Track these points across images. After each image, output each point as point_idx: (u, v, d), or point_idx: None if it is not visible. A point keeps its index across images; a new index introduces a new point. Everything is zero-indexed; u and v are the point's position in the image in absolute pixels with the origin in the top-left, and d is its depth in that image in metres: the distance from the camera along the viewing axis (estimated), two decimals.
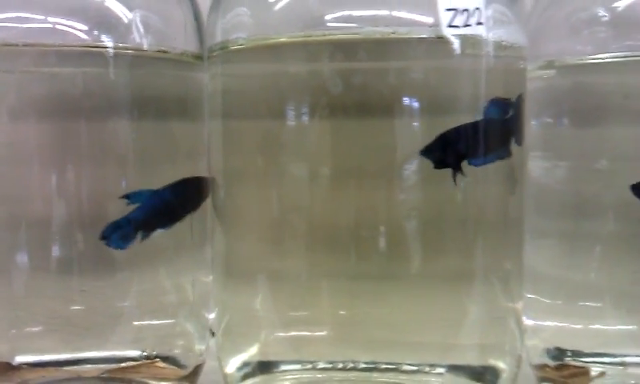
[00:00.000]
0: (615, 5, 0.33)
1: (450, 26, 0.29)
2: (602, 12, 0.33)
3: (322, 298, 0.32)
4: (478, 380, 0.32)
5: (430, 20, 0.30)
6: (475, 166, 0.31)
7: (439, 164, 0.30)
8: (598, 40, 0.33)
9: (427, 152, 0.30)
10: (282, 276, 0.32)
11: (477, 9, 0.30)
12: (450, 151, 0.30)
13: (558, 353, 0.36)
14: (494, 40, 0.31)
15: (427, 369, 0.32)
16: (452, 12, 0.29)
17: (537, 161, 0.36)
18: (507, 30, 0.31)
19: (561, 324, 0.36)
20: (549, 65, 0.35)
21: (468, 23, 0.29)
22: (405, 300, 0.31)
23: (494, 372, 0.33)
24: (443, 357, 0.32)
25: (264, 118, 0.32)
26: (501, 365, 0.33)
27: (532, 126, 0.35)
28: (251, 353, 0.33)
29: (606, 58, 0.33)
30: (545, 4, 0.36)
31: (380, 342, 0.32)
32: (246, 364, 0.33)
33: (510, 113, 0.32)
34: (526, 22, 0.34)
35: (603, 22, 0.33)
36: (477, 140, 0.31)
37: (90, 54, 0.33)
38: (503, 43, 0.31)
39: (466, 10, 0.29)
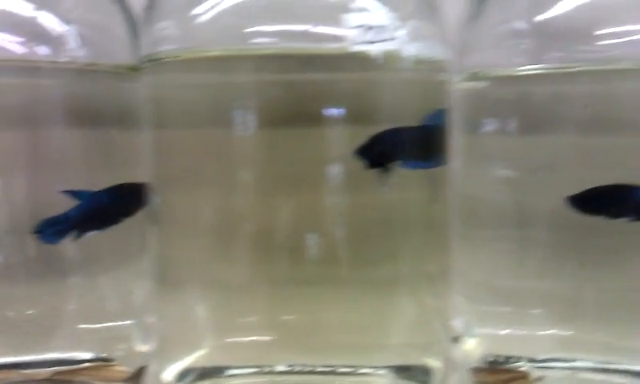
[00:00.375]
0: (536, 18, 0.33)
1: (362, 42, 0.29)
2: (523, 25, 0.34)
3: (257, 304, 0.32)
4: (409, 379, 0.33)
5: (342, 34, 0.30)
6: (409, 168, 0.31)
7: (374, 164, 0.30)
8: (521, 52, 0.34)
9: (362, 152, 0.30)
10: (215, 283, 0.33)
11: (388, 25, 0.30)
12: (384, 152, 0.31)
13: (495, 358, 0.36)
14: (410, 54, 0.31)
15: (370, 370, 0.32)
16: (362, 28, 0.29)
17: (476, 170, 0.36)
18: (425, 43, 0.32)
19: (498, 330, 0.36)
20: (474, 76, 0.35)
21: (379, 39, 0.30)
22: (339, 303, 0.32)
23: (425, 371, 0.33)
24: (381, 358, 0.32)
25: (192, 127, 0.32)
26: (431, 364, 0.33)
27: (465, 136, 0.35)
28: (188, 361, 0.34)
29: (530, 70, 0.33)
30: (470, 17, 0.36)
31: (316, 346, 0.32)
32: (183, 373, 0.34)
33: (445, 122, 0.32)
34: (451, 35, 0.34)
35: (524, 35, 0.34)
36: (412, 144, 0.31)
37: (27, 67, 0.34)
38: (421, 57, 0.31)
39: (376, 26, 0.30)
